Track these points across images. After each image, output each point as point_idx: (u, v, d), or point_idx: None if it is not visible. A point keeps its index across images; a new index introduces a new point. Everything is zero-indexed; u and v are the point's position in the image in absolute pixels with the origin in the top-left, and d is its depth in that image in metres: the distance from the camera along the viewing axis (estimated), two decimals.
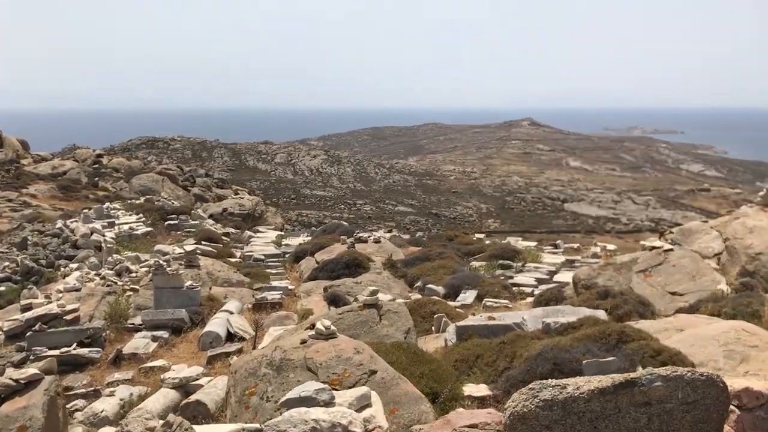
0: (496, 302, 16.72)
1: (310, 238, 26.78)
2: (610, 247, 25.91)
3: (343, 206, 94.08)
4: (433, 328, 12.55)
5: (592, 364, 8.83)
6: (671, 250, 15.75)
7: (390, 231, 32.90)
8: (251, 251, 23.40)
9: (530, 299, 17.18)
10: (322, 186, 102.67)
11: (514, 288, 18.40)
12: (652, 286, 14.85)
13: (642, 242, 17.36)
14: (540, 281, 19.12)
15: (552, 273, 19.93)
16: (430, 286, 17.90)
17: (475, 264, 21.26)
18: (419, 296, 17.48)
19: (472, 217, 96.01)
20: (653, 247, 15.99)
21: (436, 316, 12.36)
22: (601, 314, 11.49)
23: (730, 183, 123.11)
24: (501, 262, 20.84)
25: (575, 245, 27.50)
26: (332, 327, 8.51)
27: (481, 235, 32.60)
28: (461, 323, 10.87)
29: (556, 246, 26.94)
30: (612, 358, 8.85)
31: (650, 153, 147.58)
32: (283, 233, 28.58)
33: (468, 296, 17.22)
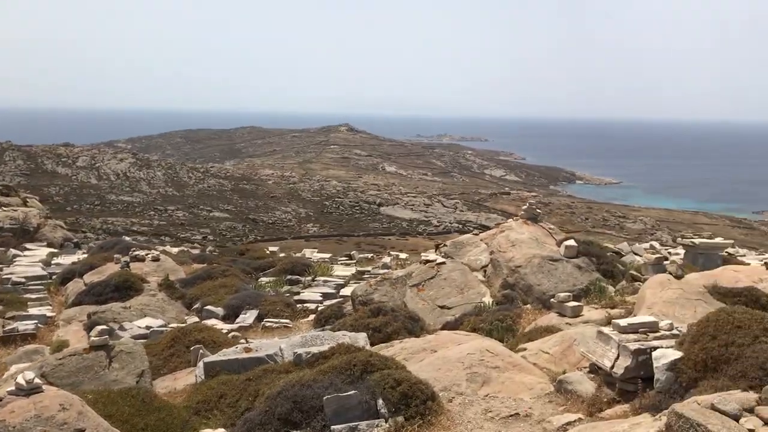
0: (276, 322, 16.20)
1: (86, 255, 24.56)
2: (402, 255, 26.51)
3: (153, 212, 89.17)
4: (191, 360, 11.70)
5: (332, 400, 8.51)
6: (444, 263, 16.17)
7: (180, 246, 31.25)
8: (11, 273, 20.86)
9: (312, 316, 16.86)
10: (130, 191, 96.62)
11: (298, 305, 18.00)
12: (424, 300, 15.12)
13: (423, 255, 17.74)
14: (326, 296, 18.92)
15: (340, 287, 19.83)
16: (208, 307, 16.99)
17: (264, 280, 20.63)
18: (197, 319, 16.50)
19: (291, 222, 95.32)
20: (427, 261, 16.33)
21: (192, 348, 11.51)
22: (362, 337, 11.32)
23: (528, 186, 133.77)
24: (290, 277, 20.39)
25: (370, 255, 27.83)
26: (37, 380, 7.41)
27: (275, 248, 32.02)
28: (210, 359, 10.15)
29: (350, 257, 27.06)
30: (353, 392, 8.60)
31: (458, 159, 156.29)
32: (57, 251, 25.96)
33: (248, 317, 16.54)
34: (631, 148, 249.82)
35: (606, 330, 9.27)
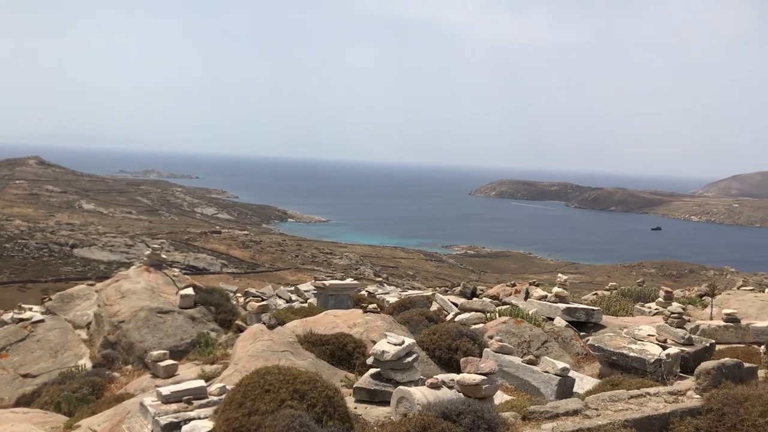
0: None
1: None
2: None
3: None
4: None
5: None
6: (42, 320, 13.88)
7: None
8: None
9: None
10: None
11: None
12: (4, 368, 12.67)
13: (15, 313, 15.09)
14: None
15: None
16: None
17: None
18: None
19: None
20: (21, 319, 13.89)
21: None
22: None
23: (240, 225, 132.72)
24: None
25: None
26: None
27: None
28: None
29: None
30: None
31: (166, 196, 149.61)
32: None
33: None
34: (341, 188, 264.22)
35: (147, 401, 8.11)
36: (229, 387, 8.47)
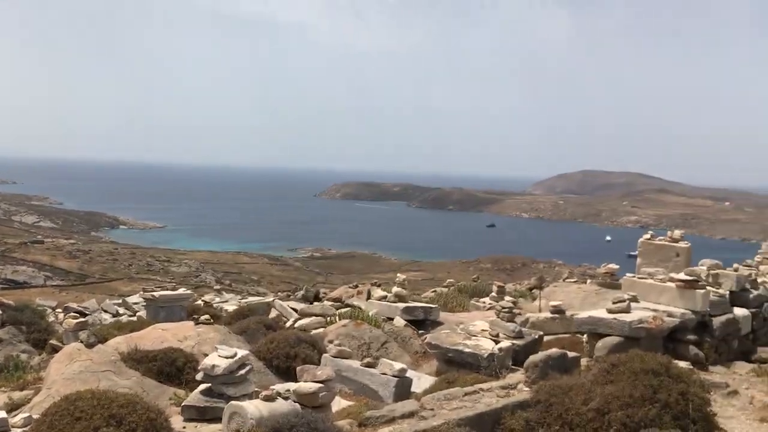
0: None
1: None
2: None
3: None
4: None
5: None
6: None
7: None
8: None
9: None
10: None
11: None
12: None
13: None
14: None
15: None
16: None
17: None
18: None
19: None
20: None
21: None
22: None
23: (66, 234, 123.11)
24: None
25: None
26: None
27: None
28: None
29: None
30: None
31: None
32: None
33: None
34: (180, 192, 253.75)
35: None
36: (35, 416, 7.50)
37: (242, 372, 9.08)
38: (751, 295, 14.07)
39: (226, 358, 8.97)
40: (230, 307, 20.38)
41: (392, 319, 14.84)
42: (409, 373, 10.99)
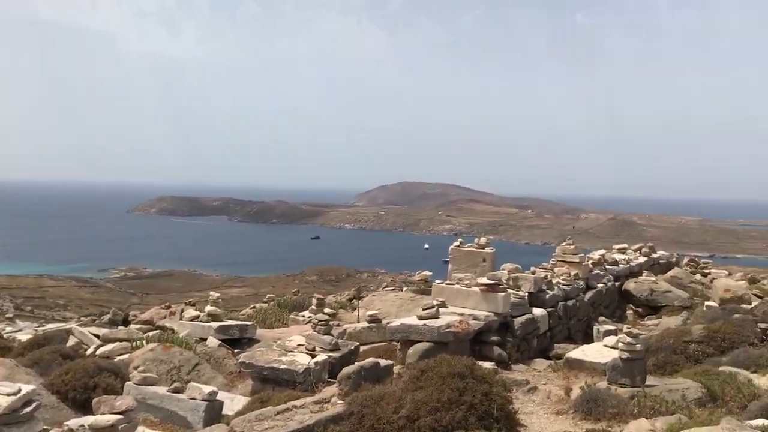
0: None
1: None
2: None
3: None
4: None
5: None
6: None
7: None
8: None
9: None
10: None
11: None
12: None
13: None
14: None
15: None
16: None
17: None
18: None
19: None
20: None
21: None
22: None
23: None
24: None
25: None
26: None
27: None
28: None
29: None
30: None
31: None
32: None
33: None
34: None
35: None
36: None
37: (28, 410, 8.09)
38: (548, 296, 15.24)
39: (8, 395, 7.96)
40: (24, 336, 18.35)
41: (205, 340, 14.18)
42: (222, 396, 10.51)
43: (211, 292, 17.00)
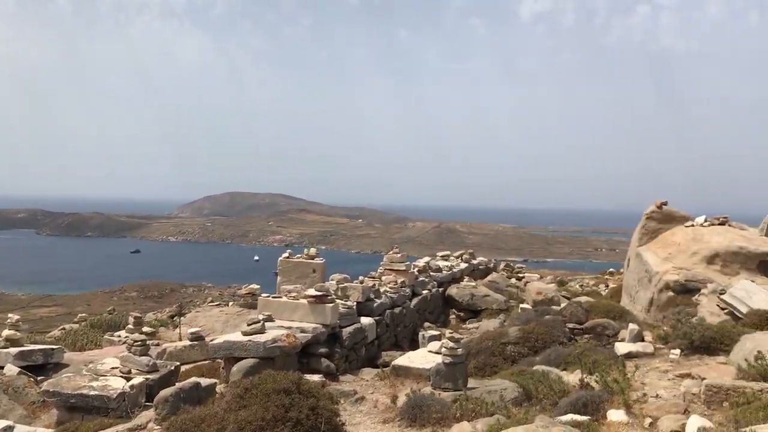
0: None
1: None
2: None
3: None
4: None
5: None
6: None
7: None
8: None
9: None
10: None
11: None
12: None
13: None
14: None
15: None
16: None
17: None
18: None
19: None
20: None
21: None
22: None
23: None
24: None
25: None
26: None
27: None
28: None
29: None
30: None
31: None
32: None
33: None
34: None
35: None
36: None
37: None
38: (375, 304, 15.39)
39: None
40: None
41: (2, 368, 12.64)
42: (21, 430, 9.35)
43: (10, 315, 15.21)
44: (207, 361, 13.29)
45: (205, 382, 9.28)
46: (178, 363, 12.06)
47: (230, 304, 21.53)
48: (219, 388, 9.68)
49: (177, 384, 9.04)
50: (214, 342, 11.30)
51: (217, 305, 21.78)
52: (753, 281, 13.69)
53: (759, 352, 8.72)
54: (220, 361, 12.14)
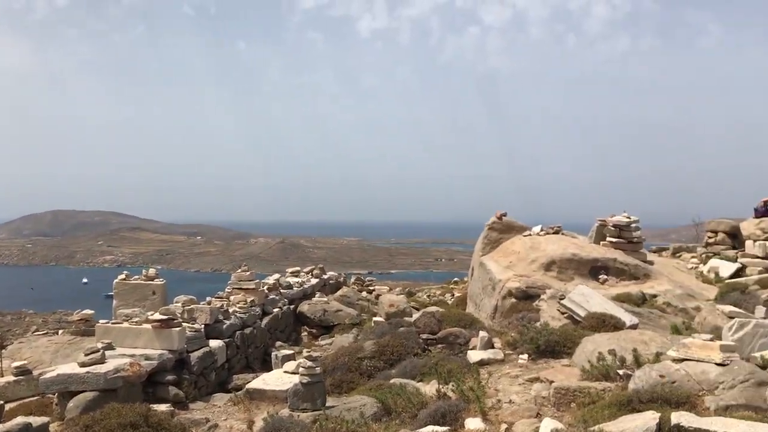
0: None
1: None
2: None
3: None
4: None
5: None
6: None
7: None
8: None
9: None
10: None
11: None
12: None
13: None
14: None
15: None
16: None
17: None
18: None
19: None
20: None
21: None
22: None
23: None
24: None
25: None
26: None
27: None
28: None
29: None
30: None
31: None
32: None
33: None
34: None
35: None
36: None
37: None
38: (225, 326, 14.74)
39: None
40: None
41: None
42: None
43: None
44: (36, 398, 11.96)
45: (36, 421, 8.29)
46: (1, 402, 10.73)
47: (60, 332, 19.67)
48: (53, 427, 8.70)
49: (1, 425, 7.99)
50: (46, 376, 10.17)
51: (44, 334, 19.81)
52: (586, 285, 14.77)
53: (600, 353, 9.33)
54: (51, 396, 10.97)
